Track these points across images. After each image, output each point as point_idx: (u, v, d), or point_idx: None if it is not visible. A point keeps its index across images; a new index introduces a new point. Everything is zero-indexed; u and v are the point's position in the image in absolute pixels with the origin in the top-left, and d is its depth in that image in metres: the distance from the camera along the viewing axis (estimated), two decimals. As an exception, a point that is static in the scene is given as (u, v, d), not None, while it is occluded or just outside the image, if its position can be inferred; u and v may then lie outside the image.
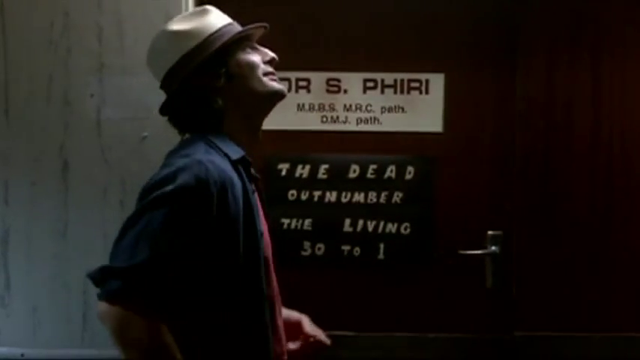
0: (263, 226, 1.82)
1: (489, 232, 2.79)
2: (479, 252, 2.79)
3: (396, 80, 2.80)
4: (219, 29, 1.78)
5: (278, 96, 1.81)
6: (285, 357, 1.89)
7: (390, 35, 2.80)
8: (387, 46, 2.81)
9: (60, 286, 2.59)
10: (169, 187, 1.59)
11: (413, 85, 2.80)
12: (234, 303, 1.71)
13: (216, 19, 1.81)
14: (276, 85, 1.80)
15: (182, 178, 1.59)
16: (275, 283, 1.87)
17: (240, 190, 1.69)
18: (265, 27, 1.84)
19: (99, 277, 1.59)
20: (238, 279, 1.71)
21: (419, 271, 2.82)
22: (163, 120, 2.52)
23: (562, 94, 2.82)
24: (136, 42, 2.56)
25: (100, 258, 2.50)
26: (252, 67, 1.78)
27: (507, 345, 2.81)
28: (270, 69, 1.81)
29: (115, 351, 2.47)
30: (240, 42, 1.78)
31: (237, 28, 1.80)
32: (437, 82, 2.80)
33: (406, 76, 2.80)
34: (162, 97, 2.53)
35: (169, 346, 1.61)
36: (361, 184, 2.80)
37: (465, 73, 2.81)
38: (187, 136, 1.83)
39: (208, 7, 1.82)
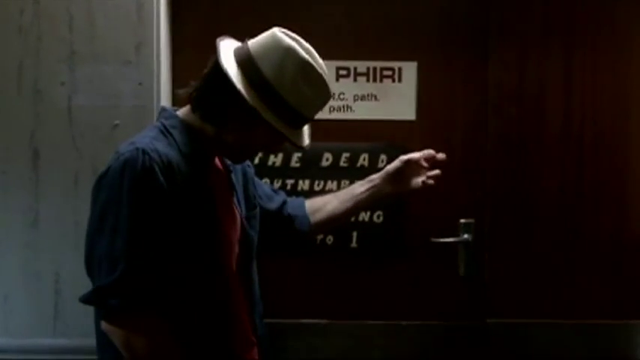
0: (226, 215, 1.93)
1: (462, 220, 2.86)
2: (451, 240, 2.86)
3: (368, 68, 2.86)
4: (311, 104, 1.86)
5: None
6: (250, 355, 1.98)
7: (363, 23, 2.86)
8: (359, 34, 2.87)
9: (31, 275, 2.63)
10: (121, 185, 1.68)
11: (386, 73, 2.87)
12: (191, 292, 1.81)
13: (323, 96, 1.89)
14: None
15: (130, 173, 1.68)
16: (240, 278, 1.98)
17: (190, 176, 1.78)
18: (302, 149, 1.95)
19: (94, 299, 1.69)
20: (194, 266, 1.80)
21: (392, 259, 2.89)
22: (135, 108, 2.61)
23: (534, 83, 2.89)
24: (107, 30, 2.60)
25: (71, 246, 2.60)
26: (261, 146, 1.94)
27: (479, 332, 2.89)
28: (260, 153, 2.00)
29: (85, 340, 2.54)
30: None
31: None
32: (409, 70, 2.86)
33: (379, 64, 2.86)
34: (133, 85, 2.61)
35: (175, 352, 1.72)
36: (334, 172, 2.86)
37: (437, 62, 2.88)
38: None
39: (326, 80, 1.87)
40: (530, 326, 2.90)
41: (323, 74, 1.83)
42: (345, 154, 2.86)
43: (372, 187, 2.26)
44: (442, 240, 2.86)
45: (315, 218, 2.28)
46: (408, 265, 2.89)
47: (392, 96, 2.86)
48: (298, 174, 2.86)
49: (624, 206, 2.92)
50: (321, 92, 1.86)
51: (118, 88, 2.61)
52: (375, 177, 2.27)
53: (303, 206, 2.29)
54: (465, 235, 2.86)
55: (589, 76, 2.90)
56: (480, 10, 2.87)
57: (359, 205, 2.29)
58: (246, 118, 1.79)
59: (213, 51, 1.83)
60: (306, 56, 1.80)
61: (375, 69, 2.86)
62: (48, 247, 2.63)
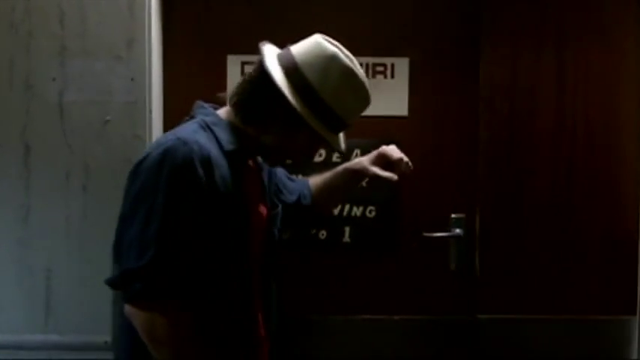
0: (255, 213, 1.95)
1: (453, 215, 2.88)
2: (443, 234, 2.88)
3: (361, 64, 2.82)
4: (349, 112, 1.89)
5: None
6: (261, 349, 2.00)
7: (355, 19, 2.87)
8: (351, 30, 2.85)
9: (23, 271, 2.64)
10: (160, 173, 1.68)
11: (378, 69, 2.88)
12: (217, 286, 1.82)
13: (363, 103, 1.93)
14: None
15: (169, 162, 1.69)
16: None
17: (227, 172, 1.79)
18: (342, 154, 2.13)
19: (120, 282, 1.70)
20: (222, 261, 1.82)
21: (384, 253, 2.91)
22: (126, 104, 2.61)
23: (526, 80, 2.91)
24: (99, 25, 2.61)
25: (63, 242, 2.60)
26: (300, 150, 1.94)
27: (470, 327, 2.92)
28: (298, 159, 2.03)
29: (77, 336, 2.55)
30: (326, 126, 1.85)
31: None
32: (402, 66, 2.88)
33: (371, 60, 2.88)
34: (125, 81, 2.62)
35: (195, 340, 1.73)
36: (327, 168, 2.85)
37: (429, 58, 2.89)
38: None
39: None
40: (521, 321, 2.93)
41: (364, 81, 1.88)
42: (338, 150, 2.86)
43: (357, 162, 2.32)
44: (434, 235, 2.88)
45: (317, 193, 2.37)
46: (399, 259, 2.91)
47: (384, 92, 2.87)
48: (291, 170, 2.84)
49: (615, 202, 2.94)
50: (363, 98, 1.90)
51: (109, 83, 2.61)
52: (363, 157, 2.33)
53: (309, 188, 2.37)
54: (457, 230, 2.88)
55: (581, 73, 2.92)
56: (473, 6, 2.89)
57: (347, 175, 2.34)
58: (289, 123, 1.82)
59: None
60: (349, 63, 1.85)
61: (367, 65, 2.87)
62: (39, 242, 2.63)
